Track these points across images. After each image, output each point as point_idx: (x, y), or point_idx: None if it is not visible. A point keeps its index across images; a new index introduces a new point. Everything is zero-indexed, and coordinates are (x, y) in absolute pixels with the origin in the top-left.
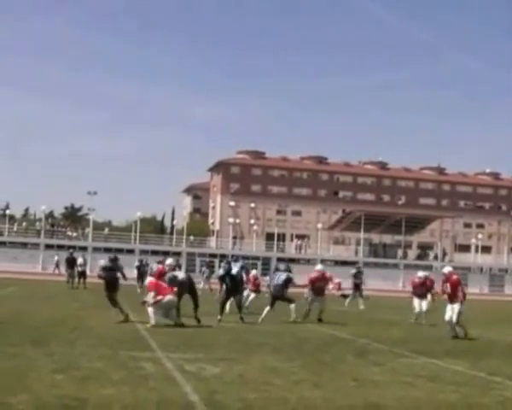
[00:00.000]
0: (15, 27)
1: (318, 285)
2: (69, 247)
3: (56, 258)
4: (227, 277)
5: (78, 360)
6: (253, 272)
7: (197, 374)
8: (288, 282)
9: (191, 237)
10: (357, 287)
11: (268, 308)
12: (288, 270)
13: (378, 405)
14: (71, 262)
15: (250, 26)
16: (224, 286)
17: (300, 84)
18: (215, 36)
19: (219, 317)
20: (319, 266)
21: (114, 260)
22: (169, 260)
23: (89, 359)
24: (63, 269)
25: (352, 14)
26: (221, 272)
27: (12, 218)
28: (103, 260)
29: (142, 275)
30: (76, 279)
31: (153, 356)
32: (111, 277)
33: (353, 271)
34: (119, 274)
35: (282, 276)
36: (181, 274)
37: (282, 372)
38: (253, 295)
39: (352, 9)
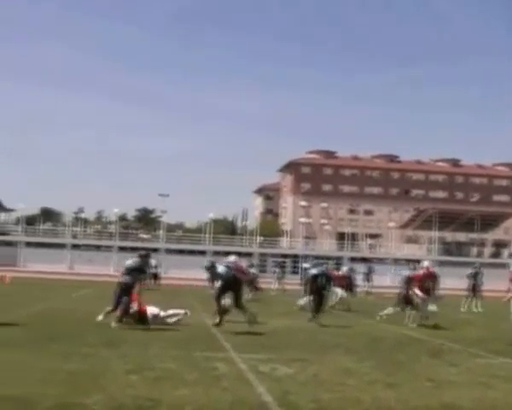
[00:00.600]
0: (72, 27)
1: (427, 285)
2: (142, 249)
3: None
4: (321, 277)
5: (152, 361)
6: (344, 269)
7: (270, 374)
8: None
9: (259, 238)
10: (474, 288)
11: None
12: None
13: (454, 406)
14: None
15: (320, 22)
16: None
17: (370, 81)
18: (287, 33)
19: (312, 315)
20: (426, 263)
21: (145, 257)
22: (232, 258)
23: (162, 359)
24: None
25: (420, 12)
26: (314, 271)
27: (86, 221)
28: (130, 260)
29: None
30: (149, 281)
31: (226, 357)
32: (127, 282)
33: (471, 271)
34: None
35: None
36: (221, 268)
37: (355, 373)
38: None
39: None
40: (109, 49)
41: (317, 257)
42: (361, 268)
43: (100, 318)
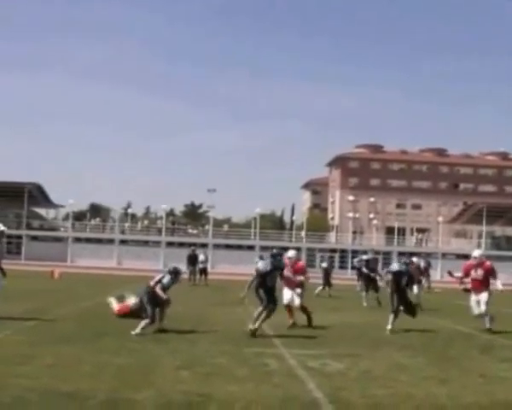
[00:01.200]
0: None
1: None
2: (190, 244)
3: None
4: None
5: (202, 357)
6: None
7: (321, 370)
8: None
9: (306, 232)
10: None
11: None
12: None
13: (507, 402)
14: (193, 259)
15: (364, 17)
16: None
17: (418, 75)
18: (332, 28)
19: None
20: (476, 252)
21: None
22: (290, 253)
23: (212, 355)
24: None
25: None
26: (396, 267)
27: (134, 217)
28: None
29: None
30: (198, 276)
31: (276, 353)
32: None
33: None
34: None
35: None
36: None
37: (408, 369)
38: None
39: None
40: (164, 44)
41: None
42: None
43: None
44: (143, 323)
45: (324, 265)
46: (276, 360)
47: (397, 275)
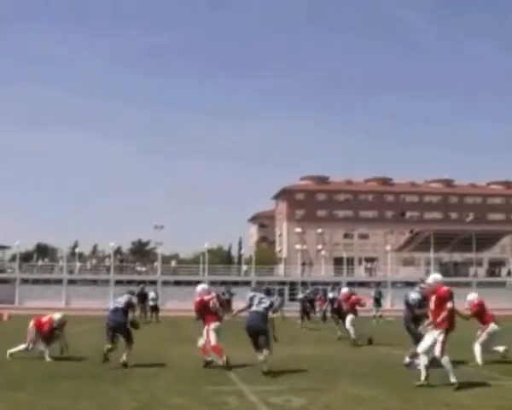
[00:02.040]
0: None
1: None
2: (139, 282)
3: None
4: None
5: (161, 397)
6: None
7: (284, 407)
8: None
9: (251, 267)
10: None
11: None
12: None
13: None
14: (142, 297)
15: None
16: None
17: (360, 105)
18: (262, 65)
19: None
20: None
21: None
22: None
23: (171, 395)
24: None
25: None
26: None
27: (81, 255)
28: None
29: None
30: (149, 313)
31: (235, 389)
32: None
33: None
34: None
35: None
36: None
37: (368, 401)
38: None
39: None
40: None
41: (314, 283)
42: (371, 293)
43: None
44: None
45: (300, 296)
46: (236, 397)
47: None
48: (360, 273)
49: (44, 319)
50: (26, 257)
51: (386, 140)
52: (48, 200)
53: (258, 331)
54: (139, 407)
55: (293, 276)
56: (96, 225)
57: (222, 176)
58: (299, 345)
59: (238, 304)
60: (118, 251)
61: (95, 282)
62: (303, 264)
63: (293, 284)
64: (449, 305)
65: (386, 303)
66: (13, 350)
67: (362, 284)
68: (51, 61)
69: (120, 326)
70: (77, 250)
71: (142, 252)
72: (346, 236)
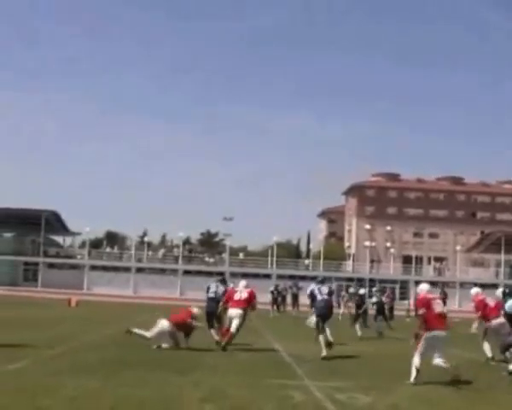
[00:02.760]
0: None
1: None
2: (207, 273)
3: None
4: None
5: (226, 389)
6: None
7: (349, 404)
8: None
9: (319, 262)
10: None
11: None
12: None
13: None
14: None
15: (399, 40)
16: None
17: (431, 104)
18: (351, 53)
19: None
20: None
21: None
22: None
23: (236, 387)
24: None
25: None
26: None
27: (150, 244)
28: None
29: (276, 300)
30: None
31: (300, 384)
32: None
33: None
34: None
35: None
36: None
37: (436, 402)
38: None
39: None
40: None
41: (382, 281)
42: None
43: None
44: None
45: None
46: (301, 392)
47: None
48: (428, 273)
49: (181, 314)
50: (95, 244)
51: (457, 138)
52: (118, 188)
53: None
54: (203, 398)
55: (362, 273)
56: (166, 214)
57: (293, 169)
58: (364, 343)
59: (305, 299)
60: (186, 241)
61: (163, 271)
62: (371, 261)
63: (360, 281)
64: None
65: (454, 304)
66: (136, 330)
67: (430, 284)
68: None
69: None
70: (146, 239)
71: (210, 243)
72: (415, 234)
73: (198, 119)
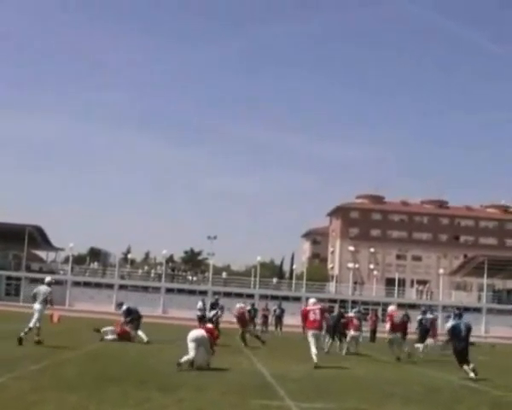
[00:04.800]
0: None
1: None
2: (189, 291)
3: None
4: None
5: (208, 408)
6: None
7: None
8: None
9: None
10: None
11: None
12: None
13: None
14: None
15: (368, 68)
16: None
17: (417, 125)
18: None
19: None
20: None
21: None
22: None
23: (219, 407)
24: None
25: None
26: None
27: (133, 262)
28: None
29: (252, 319)
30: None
31: (283, 405)
32: None
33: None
34: None
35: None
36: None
37: None
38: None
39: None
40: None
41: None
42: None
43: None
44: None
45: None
46: None
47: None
48: (411, 295)
49: (210, 326)
50: (78, 260)
51: (441, 162)
52: (103, 205)
53: None
54: None
55: (344, 294)
56: (149, 232)
57: (277, 189)
58: (345, 363)
59: (288, 320)
60: (170, 259)
61: (145, 288)
62: (354, 283)
63: (343, 302)
64: None
65: (437, 327)
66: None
67: (412, 307)
68: None
69: None
70: (129, 256)
71: (193, 261)
72: (398, 257)
73: (182, 133)
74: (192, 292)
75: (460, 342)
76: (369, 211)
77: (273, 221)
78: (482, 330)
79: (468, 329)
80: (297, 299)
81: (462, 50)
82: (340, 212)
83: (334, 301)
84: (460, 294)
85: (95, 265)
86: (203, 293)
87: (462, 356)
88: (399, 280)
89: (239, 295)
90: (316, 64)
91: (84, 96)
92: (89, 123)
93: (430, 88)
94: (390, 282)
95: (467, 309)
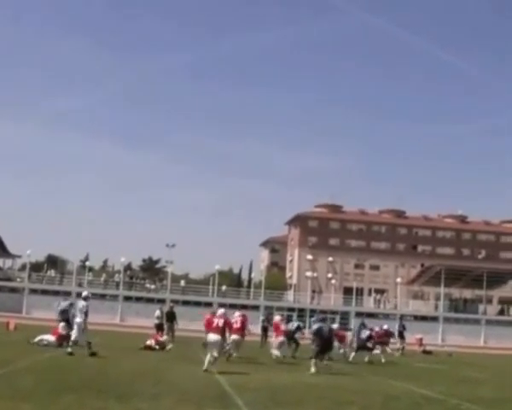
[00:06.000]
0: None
1: None
2: (147, 299)
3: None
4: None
5: None
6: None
7: None
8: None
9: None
10: None
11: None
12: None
13: None
14: (171, 316)
15: (324, 81)
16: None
17: (376, 135)
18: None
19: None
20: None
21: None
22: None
23: None
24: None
25: (424, 62)
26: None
27: (91, 269)
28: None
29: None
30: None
31: None
32: None
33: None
34: None
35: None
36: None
37: None
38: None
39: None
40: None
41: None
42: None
43: None
44: None
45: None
46: None
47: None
48: (369, 304)
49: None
50: (36, 267)
51: (399, 172)
52: (61, 212)
53: None
54: None
55: (302, 303)
56: (108, 240)
57: (236, 198)
58: (302, 372)
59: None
60: (128, 267)
61: (103, 296)
62: (313, 291)
63: (301, 311)
64: None
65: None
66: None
67: (370, 315)
68: None
69: None
70: (87, 264)
71: (152, 269)
72: (357, 266)
73: (143, 145)
74: (150, 300)
75: (322, 341)
76: (327, 220)
77: (232, 230)
78: (439, 339)
79: (330, 331)
80: (255, 307)
81: (416, 59)
82: (298, 221)
83: (293, 309)
84: (417, 303)
85: (52, 272)
86: (161, 301)
87: (321, 352)
88: (357, 289)
89: (197, 304)
90: (274, 74)
91: (43, 104)
92: (45, 131)
93: (388, 97)
94: (348, 291)
95: (424, 318)
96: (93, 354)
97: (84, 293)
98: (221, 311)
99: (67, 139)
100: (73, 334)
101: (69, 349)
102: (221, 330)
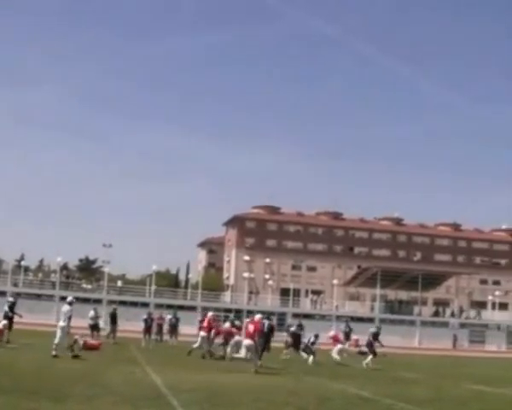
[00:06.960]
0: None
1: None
2: (84, 299)
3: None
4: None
5: None
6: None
7: None
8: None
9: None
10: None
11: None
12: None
13: None
14: (113, 318)
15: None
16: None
17: (315, 137)
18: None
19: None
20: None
21: None
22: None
23: None
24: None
25: (362, 66)
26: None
27: (27, 269)
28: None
29: (149, 328)
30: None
31: None
32: None
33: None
34: None
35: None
36: None
37: None
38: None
39: (364, 61)
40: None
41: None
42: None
43: None
44: None
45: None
46: None
47: None
48: (306, 305)
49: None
50: None
51: (337, 174)
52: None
53: None
54: None
55: (239, 304)
56: (44, 239)
57: (173, 199)
58: (241, 373)
59: (183, 328)
60: (64, 267)
61: (39, 296)
62: (250, 292)
63: (238, 312)
64: None
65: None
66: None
67: (307, 316)
68: None
69: None
70: (23, 263)
71: (89, 270)
72: (294, 267)
73: (80, 138)
74: (87, 300)
75: (262, 338)
76: (264, 221)
77: (169, 230)
78: None
79: (271, 328)
80: (192, 308)
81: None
82: (236, 221)
83: (230, 310)
84: (353, 304)
85: None
86: (98, 301)
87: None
88: (294, 290)
89: (134, 304)
90: (212, 74)
91: None
92: None
93: (326, 101)
94: (285, 292)
95: (360, 319)
96: (76, 357)
97: (69, 298)
98: (258, 316)
99: (5, 133)
100: (57, 337)
101: (54, 352)
102: (252, 335)
